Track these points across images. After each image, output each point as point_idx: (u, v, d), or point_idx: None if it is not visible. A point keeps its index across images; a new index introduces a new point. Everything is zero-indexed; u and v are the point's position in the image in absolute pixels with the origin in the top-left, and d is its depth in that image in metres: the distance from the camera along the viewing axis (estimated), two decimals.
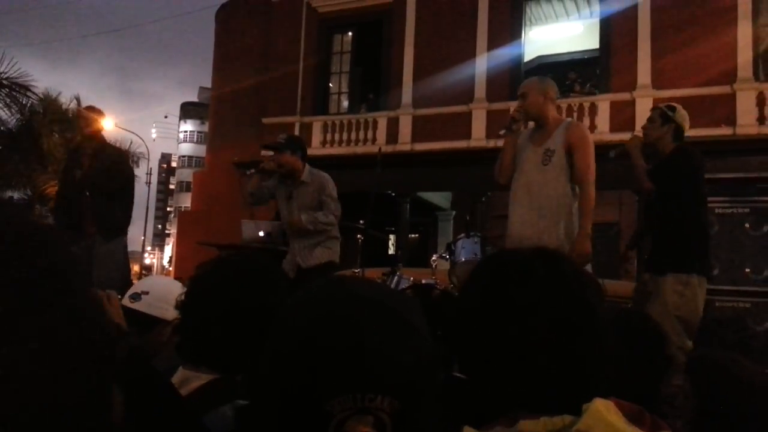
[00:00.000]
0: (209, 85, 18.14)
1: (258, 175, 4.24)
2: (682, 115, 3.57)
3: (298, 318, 0.71)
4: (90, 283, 0.91)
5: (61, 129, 13.68)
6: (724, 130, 9.69)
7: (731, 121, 9.83)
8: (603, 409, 0.76)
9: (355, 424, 0.64)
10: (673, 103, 3.72)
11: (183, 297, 1.37)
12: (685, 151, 3.48)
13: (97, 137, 4.81)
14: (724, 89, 9.92)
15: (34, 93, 9.42)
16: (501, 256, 0.98)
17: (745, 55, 9.91)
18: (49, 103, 13.67)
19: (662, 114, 3.55)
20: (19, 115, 11.11)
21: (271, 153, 4.38)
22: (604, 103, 10.81)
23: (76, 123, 5.02)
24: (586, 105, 10.88)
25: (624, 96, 10.66)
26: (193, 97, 58.03)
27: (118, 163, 4.93)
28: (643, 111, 10.39)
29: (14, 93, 9.19)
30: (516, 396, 0.83)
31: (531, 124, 3.60)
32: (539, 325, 0.82)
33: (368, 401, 0.64)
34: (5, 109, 9.65)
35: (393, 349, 0.67)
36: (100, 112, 4.92)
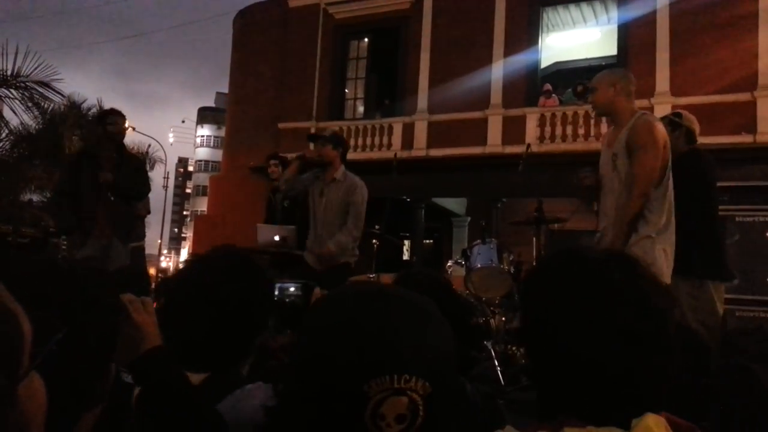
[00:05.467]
0: (226, 90, 18.27)
1: (297, 162, 4.26)
2: (689, 118, 3.67)
3: (334, 311, 0.76)
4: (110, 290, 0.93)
5: (82, 133, 13.87)
6: (744, 138, 9.57)
7: (751, 128, 9.69)
8: (653, 425, 0.74)
9: (391, 406, 0.68)
10: (678, 110, 3.82)
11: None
12: (694, 154, 3.53)
13: (120, 141, 4.81)
14: (744, 96, 9.80)
15: (59, 92, 9.38)
16: (575, 257, 0.92)
17: (766, 62, 9.77)
18: (72, 106, 13.88)
19: (670, 122, 3.60)
20: (40, 118, 11.22)
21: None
22: None
23: (95, 124, 5.01)
24: None
25: (642, 103, 10.53)
26: (210, 102, 58.57)
27: (143, 170, 5.05)
28: None
29: (36, 96, 9.19)
30: (566, 401, 0.81)
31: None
32: (607, 332, 0.80)
33: (404, 382, 0.68)
34: (27, 112, 9.68)
35: (423, 335, 0.73)
36: (123, 116, 4.85)
